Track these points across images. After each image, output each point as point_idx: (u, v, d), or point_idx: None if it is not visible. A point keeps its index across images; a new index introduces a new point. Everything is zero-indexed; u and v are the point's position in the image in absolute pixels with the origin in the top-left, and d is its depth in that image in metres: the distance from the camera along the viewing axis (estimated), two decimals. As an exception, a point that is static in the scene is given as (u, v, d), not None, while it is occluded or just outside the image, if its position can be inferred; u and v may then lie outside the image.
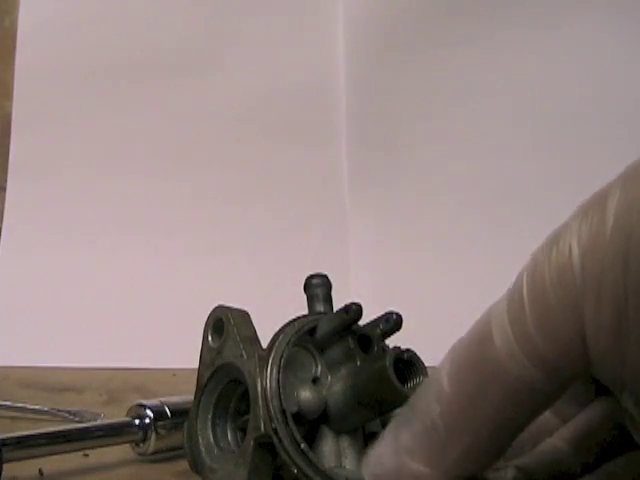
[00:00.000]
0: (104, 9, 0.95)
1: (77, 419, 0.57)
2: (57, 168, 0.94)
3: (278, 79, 0.95)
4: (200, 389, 0.41)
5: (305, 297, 0.42)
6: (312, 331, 0.39)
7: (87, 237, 0.91)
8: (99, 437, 0.47)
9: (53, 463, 0.45)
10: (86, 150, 0.94)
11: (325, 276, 0.42)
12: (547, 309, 0.28)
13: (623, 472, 0.34)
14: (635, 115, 0.89)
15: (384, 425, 0.39)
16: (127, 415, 0.48)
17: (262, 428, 0.36)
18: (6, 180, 0.93)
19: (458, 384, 0.31)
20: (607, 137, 0.90)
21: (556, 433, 0.36)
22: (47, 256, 0.90)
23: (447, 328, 0.92)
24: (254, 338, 0.39)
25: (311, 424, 0.37)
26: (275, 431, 0.35)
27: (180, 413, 0.48)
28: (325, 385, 0.38)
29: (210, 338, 0.40)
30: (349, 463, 0.37)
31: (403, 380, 0.35)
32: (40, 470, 0.45)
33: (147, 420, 0.48)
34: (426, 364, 0.36)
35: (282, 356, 0.37)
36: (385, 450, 0.33)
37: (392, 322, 0.39)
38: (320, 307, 0.41)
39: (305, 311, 0.41)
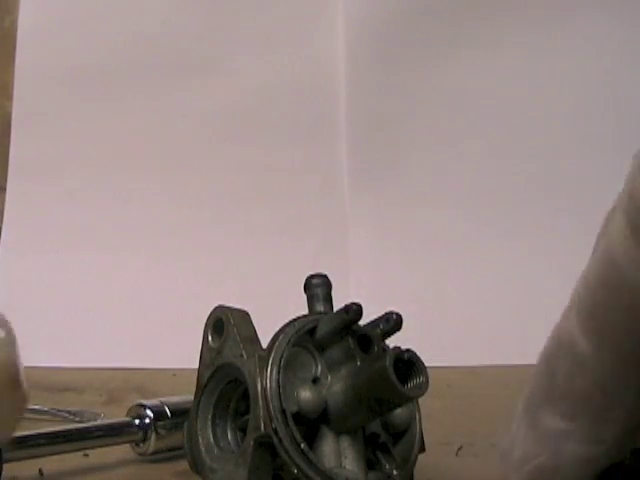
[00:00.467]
0: (104, 9, 0.95)
1: (77, 419, 0.57)
2: (57, 168, 0.94)
3: (278, 79, 0.95)
4: (200, 389, 0.41)
5: (305, 297, 0.42)
6: (312, 331, 0.39)
7: (87, 237, 0.91)
8: (99, 437, 0.47)
9: (53, 463, 0.45)
10: (86, 150, 0.94)
11: (325, 276, 0.42)
12: None
13: None
14: (637, 115, 0.89)
15: (384, 426, 0.39)
16: (127, 415, 0.48)
17: (262, 428, 0.36)
18: (6, 180, 0.93)
19: (598, 338, 0.27)
20: (608, 137, 0.90)
21: None
22: (47, 256, 0.90)
23: (447, 328, 0.92)
24: (254, 338, 0.39)
25: (311, 424, 0.37)
26: (275, 431, 0.35)
27: (180, 413, 0.48)
28: (325, 385, 0.38)
29: (210, 338, 0.40)
30: (349, 463, 0.37)
31: (403, 380, 0.35)
32: (40, 470, 0.45)
33: (147, 420, 0.48)
34: (426, 364, 0.36)
35: (282, 356, 0.37)
36: (529, 440, 0.30)
37: (392, 322, 0.39)
38: (320, 307, 0.41)
39: (305, 311, 0.41)
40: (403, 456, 0.39)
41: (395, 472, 0.37)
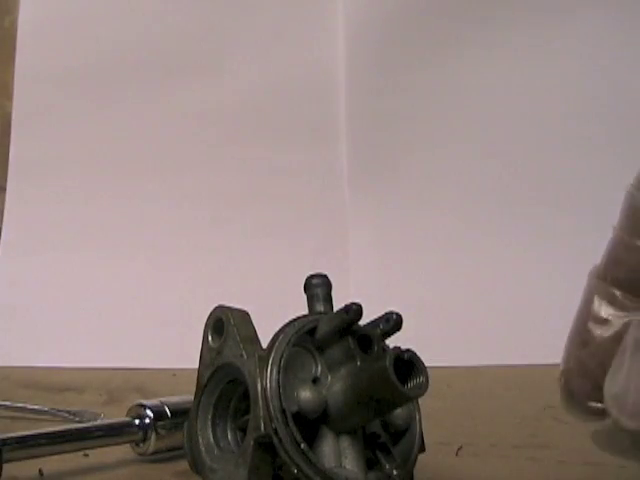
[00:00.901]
0: (104, 9, 0.95)
1: (77, 419, 0.57)
2: (57, 168, 0.94)
3: (278, 79, 0.95)
4: (200, 389, 0.41)
5: (305, 297, 0.42)
6: (312, 331, 0.39)
7: (87, 237, 0.91)
8: (99, 437, 0.47)
9: (53, 463, 0.45)
10: (86, 150, 0.94)
11: (325, 276, 0.42)
12: None
13: None
14: (636, 116, 0.89)
15: (384, 426, 0.39)
16: (127, 415, 0.48)
17: (262, 428, 0.36)
18: (6, 180, 0.93)
19: None
20: (609, 137, 0.90)
21: None
22: (47, 256, 0.90)
23: (447, 328, 0.92)
24: (254, 338, 0.39)
25: (311, 424, 0.37)
26: (275, 431, 0.35)
27: (180, 413, 0.48)
28: (325, 385, 0.38)
29: (210, 338, 0.40)
30: (349, 463, 0.37)
31: (403, 380, 0.35)
32: (40, 470, 0.45)
33: (147, 420, 0.48)
34: (426, 364, 0.36)
35: (282, 356, 0.37)
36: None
37: (392, 322, 0.39)
38: (320, 307, 0.41)
39: (305, 311, 0.41)
40: (403, 456, 0.39)
41: (395, 472, 0.37)
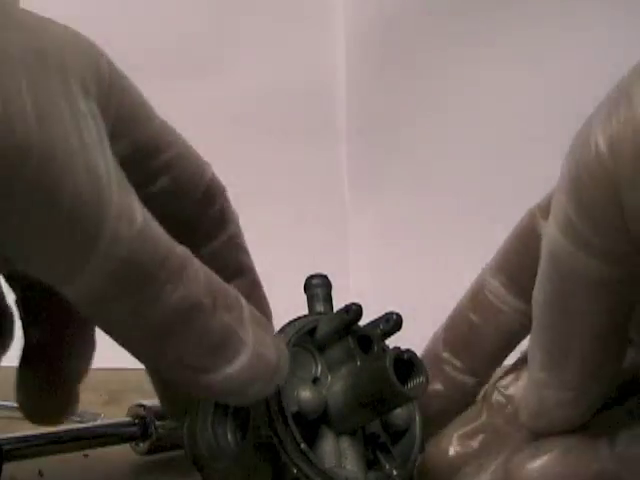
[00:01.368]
0: (103, 9, 0.95)
1: (77, 419, 0.57)
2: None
3: (278, 79, 0.95)
4: None
5: (305, 297, 0.42)
6: (312, 331, 0.39)
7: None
8: (99, 437, 0.47)
9: (53, 463, 0.45)
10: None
11: (325, 276, 0.42)
12: (585, 199, 0.29)
13: None
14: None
15: (384, 426, 0.39)
16: (127, 415, 0.48)
17: (262, 428, 0.36)
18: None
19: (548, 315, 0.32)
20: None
21: None
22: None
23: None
24: None
25: (311, 424, 0.37)
26: (275, 431, 0.35)
27: (180, 413, 0.48)
28: (325, 385, 0.38)
29: (210, 338, 0.40)
30: (349, 463, 0.37)
31: (403, 380, 0.35)
32: (40, 470, 0.45)
33: (147, 420, 0.48)
34: (426, 364, 0.37)
35: None
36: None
37: (392, 322, 0.39)
38: (320, 307, 0.41)
39: (305, 311, 0.41)
40: (403, 456, 0.39)
41: (395, 472, 0.37)
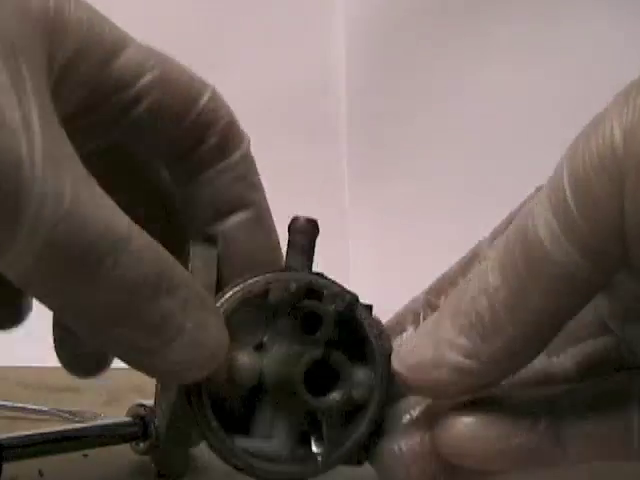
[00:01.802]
0: (103, 9, 0.95)
1: (77, 419, 0.57)
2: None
3: (278, 78, 0.95)
4: None
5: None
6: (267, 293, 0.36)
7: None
8: (99, 437, 0.47)
9: (53, 463, 0.45)
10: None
11: (312, 220, 0.39)
12: (589, 194, 0.29)
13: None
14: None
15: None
16: (127, 415, 0.48)
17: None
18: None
19: (504, 277, 0.31)
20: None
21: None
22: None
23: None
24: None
25: (253, 390, 0.36)
26: (190, 404, 0.35)
27: (180, 413, 0.48)
28: (267, 355, 0.36)
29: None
30: (277, 436, 0.36)
31: (325, 385, 0.34)
32: (40, 470, 0.45)
33: (147, 420, 0.48)
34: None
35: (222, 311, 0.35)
36: (423, 341, 0.33)
37: (345, 302, 0.37)
38: (296, 261, 0.38)
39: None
40: (346, 437, 0.36)
41: (320, 452, 0.35)
